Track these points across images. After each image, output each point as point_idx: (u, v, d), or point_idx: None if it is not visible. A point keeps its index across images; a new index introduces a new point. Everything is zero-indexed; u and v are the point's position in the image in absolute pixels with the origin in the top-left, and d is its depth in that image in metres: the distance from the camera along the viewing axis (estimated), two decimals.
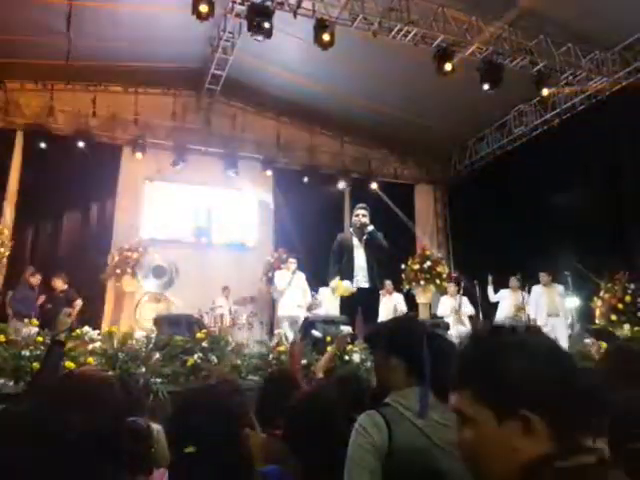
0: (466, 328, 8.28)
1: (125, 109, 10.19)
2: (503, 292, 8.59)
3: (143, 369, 3.63)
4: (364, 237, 5.59)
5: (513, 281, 8.50)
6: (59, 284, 7.27)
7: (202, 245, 10.32)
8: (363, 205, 5.82)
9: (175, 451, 1.36)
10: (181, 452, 1.28)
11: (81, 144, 9.40)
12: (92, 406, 1.22)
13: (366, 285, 5.49)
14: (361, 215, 5.67)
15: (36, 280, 7.39)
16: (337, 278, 5.34)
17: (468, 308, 8.60)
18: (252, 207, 11.20)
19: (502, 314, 8.42)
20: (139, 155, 10.07)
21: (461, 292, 8.65)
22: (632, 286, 7.75)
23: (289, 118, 11.34)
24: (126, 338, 3.81)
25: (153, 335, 4.03)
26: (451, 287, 8.85)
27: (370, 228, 5.58)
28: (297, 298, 7.32)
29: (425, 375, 1.54)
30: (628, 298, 7.64)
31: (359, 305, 5.31)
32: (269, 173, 11.13)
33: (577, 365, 0.95)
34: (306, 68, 9.13)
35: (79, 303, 7.20)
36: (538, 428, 0.83)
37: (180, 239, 10.20)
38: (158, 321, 4.58)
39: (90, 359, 3.63)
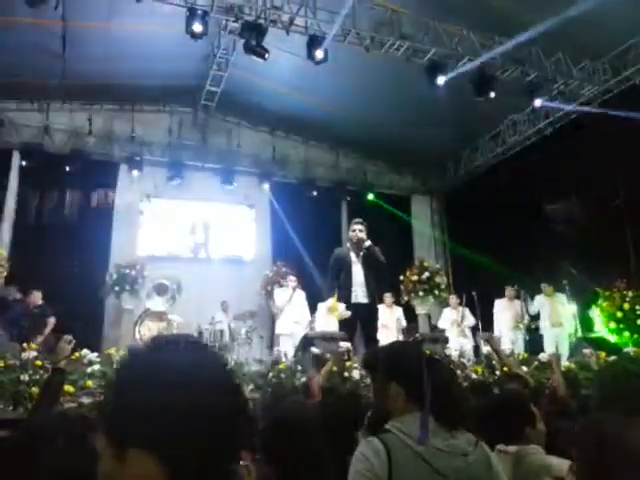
0: (468, 340, 8.25)
1: (121, 127, 10.24)
2: (499, 303, 8.59)
3: None
4: (361, 253, 5.59)
5: (509, 290, 8.51)
6: (34, 299, 7.15)
7: (200, 260, 10.32)
8: (359, 220, 5.82)
9: None
10: None
11: (77, 163, 9.43)
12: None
13: (365, 301, 5.48)
14: (357, 230, 5.67)
15: (35, 298, 7.37)
16: (334, 297, 5.33)
17: (470, 320, 8.58)
18: (249, 221, 11.22)
19: (501, 325, 8.41)
20: (136, 172, 10.10)
21: (463, 304, 8.62)
22: (630, 294, 7.77)
23: (284, 132, 11.41)
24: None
25: None
26: (453, 299, 8.84)
27: (367, 244, 5.57)
28: (295, 315, 7.31)
29: (425, 401, 1.54)
30: (626, 306, 7.67)
31: (358, 321, 5.30)
32: (266, 187, 11.16)
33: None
34: (300, 82, 9.20)
35: (52, 321, 7.01)
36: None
37: (178, 255, 10.21)
38: (157, 341, 4.56)
39: (89, 382, 3.61)
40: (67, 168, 9.36)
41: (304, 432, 1.94)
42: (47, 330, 6.93)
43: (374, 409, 1.78)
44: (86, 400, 3.39)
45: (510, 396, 2.52)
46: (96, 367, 3.71)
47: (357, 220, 5.85)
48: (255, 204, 11.20)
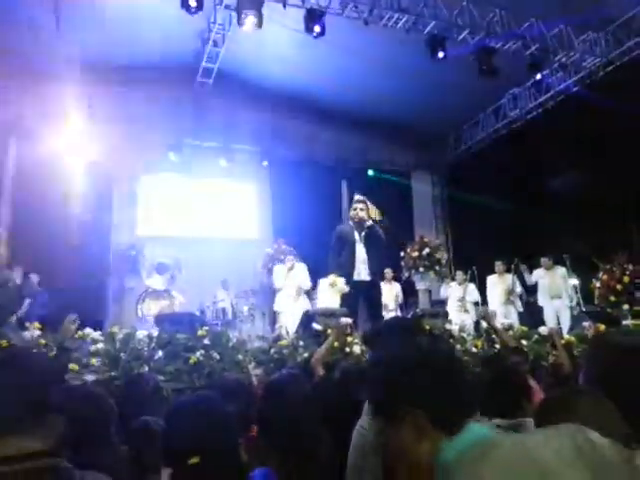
0: (469, 315, 8.29)
1: (119, 105, 10.13)
2: (491, 278, 8.64)
3: (146, 368, 3.67)
4: (363, 232, 5.58)
5: (499, 265, 8.55)
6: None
7: (200, 239, 10.33)
8: (361, 198, 5.78)
9: (174, 460, 1.37)
10: (183, 462, 1.30)
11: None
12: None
13: (367, 278, 5.50)
14: (359, 209, 5.64)
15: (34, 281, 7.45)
16: (334, 273, 5.34)
17: (473, 296, 8.61)
18: (250, 199, 11.21)
19: (494, 300, 8.47)
20: (134, 151, 10.03)
21: (468, 279, 8.65)
22: (630, 267, 7.78)
23: (284, 108, 11.27)
24: (128, 338, 3.84)
25: (155, 334, 4.07)
26: (460, 275, 8.86)
27: (369, 223, 5.56)
28: (292, 293, 7.38)
29: None
30: (626, 279, 7.68)
31: (360, 298, 5.32)
32: (265, 165, 11.11)
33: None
34: (299, 58, 9.07)
35: (26, 302, 7.16)
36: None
37: (178, 234, 10.21)
38: (160, 319, 4.62)
39: (93, 360, 3.66)
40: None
41: (289, 400, 1.99)
42: (21, 310, 6.98)
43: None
44: (90, 377, 3.45)
45: (507, 369, 2.54)
46: (100, 345, 3.76)
47: (359, 198, 5.81)
48: (255, 182, 11.16)
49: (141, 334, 4.00)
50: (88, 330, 3.96)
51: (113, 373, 3.61)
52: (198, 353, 3.86)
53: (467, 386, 1.11)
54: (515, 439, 1.00)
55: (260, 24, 6.83)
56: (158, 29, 8.23)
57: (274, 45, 8.74)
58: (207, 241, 10.32)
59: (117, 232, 9.53)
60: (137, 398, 2.56)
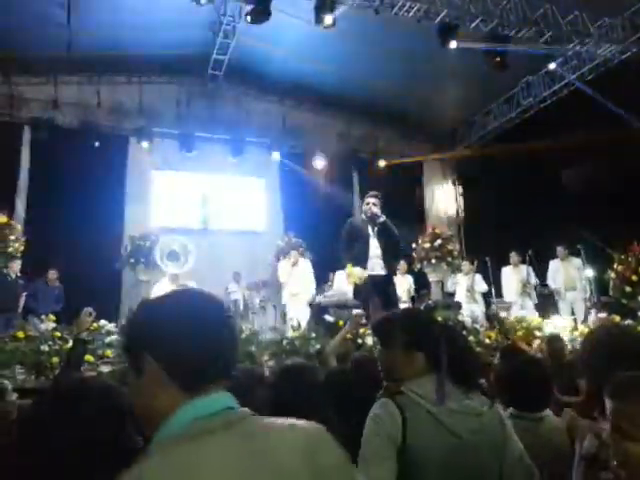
0: (479, 306, 8.27)
1: (130, 99, 10.19)
2: (506, 270, 8.58)
3: None
4: (376, 227, 5.56)
5: (514, 257, 8.49)
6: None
7: (212, 232, 10.37)
8: (374, 193, 5.73)
9: None
10: None
11: (88, 136, 9.43)
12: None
13: (382, 272, 5.48)
14: (372, 204, 5.61)
15: (53, 276, 7.55)
16: (349, 265, 5.33)
17: (481, 286, 8.58)
18: (260, 192, 11.21)
19: (510, 292, 8.42)
20: (145, 145, 10.08)
21: (474, 270, 8.62)
22: None
23: (294, 100, 11.24)
24: None
25: None
26: (466, 265, 8.81)
27: (382, 219, 5.53)
28: (295, 288, 7.46)
29: (442, 364, 1.57)
30: None
31: (375, 292, 5.31)
32: (276, 157, 11.10)
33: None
34: (309, 49, 9.02)
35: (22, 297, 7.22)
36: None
37: (190, 227, 10.25)
38: None
39: (108, 351, 3.70)
40: (78, 142, 9.37)
41: (307, 384, 2.00)
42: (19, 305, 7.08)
43: (386, 375, 1.79)
44: (105, 369, 3.49)
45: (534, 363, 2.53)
46: (114, 337, 3.80)
47: (372, 193, 5.77)
48: (266, 174, 11.16)
49: None
50: (103, 322, 4.01)
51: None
52: None
53: (231, 346, 0.99)
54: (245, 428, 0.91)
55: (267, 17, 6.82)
56: (169, 21, 8.22)
57: (284, 35, 8.70)
58: (218, 233, 10.36)
59: (130, 224, 9.60)
60: None
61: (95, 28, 8.10)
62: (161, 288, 7.78)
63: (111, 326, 3.95)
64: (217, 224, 10.59)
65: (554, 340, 4.65)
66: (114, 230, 9.44)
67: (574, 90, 9.36)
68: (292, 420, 0.98)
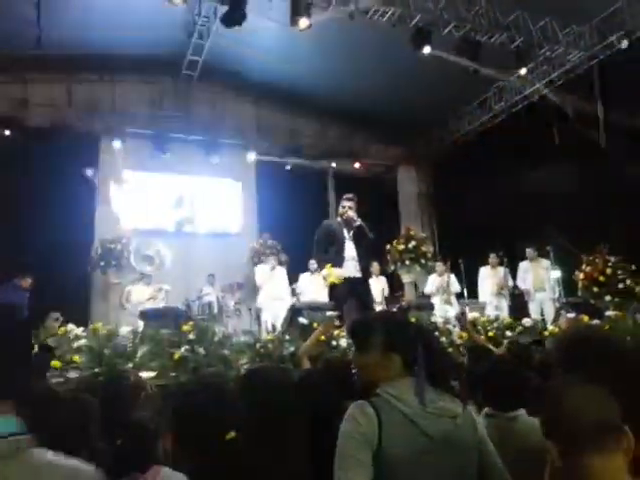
0: (452, 307, 8.36)
1: (102, 99, 10.01)
2: (483, 270, 8.71)
3: (130, 364, 3.64)
4: (352, 231, 5.57)
5: (492, 258, 8.63)
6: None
7: (186, 234, 10.26)
8: (349, 196, 5.73)
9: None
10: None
11: (58, 136, 9.23)
12: None
13: (358, 274, 5.50)
14: (347, 207, 5.61)
15: (26, 283, 7.35)
16: (328, 265, 5.33)
17: (455, 287, 8.68)
18: (235, 193, 11.15)
19: (485, 292, 8.55)
20: (118, 145, 9.93)
21: (448, 270, 8.71)
22: (613, 259, 7.90)
23: (269, 101, 11.22)
24: (111, 334, 3.81)
25: (139, 329, 4.04)
26: (440, 266, 8.91)
27: (358, 223, 5.54)
28: (275, 293, 7.44)
29: (420, 365, 1.58)
30: (609, 271, 7.79)
31: (351, 295, 5.32)
32: (251, 158, 11.06)
33: None
34: (285, 50, 9.02)
35: None
36: None
37: (163, 228, 10.13)
38: (144, 315, 4.58)
39: (76, 357, 3.62)
40: (48, 142, 9.16)
41: (265, 389, 2.01)
42: None
43: (362, 378, 1.78)
44: (73, 375, 3.41)
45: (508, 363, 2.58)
46: (82, 342, 3.72)
47: (347, 196, 5.76)
48: (240, 176, 11.10)
49: (125, 330, 3.96)
50: (71, 326, 3.92)
51: (97, 370, 3.58)
52: (183, 348, 3.84)
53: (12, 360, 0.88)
54: None
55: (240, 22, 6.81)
56: (143, 20, 8.12)
57: (259, 37, 8.67)
58: (192, 236, 10.25)
59: (101, 226, 9.44)
60: (121, 395, 2.54)
61: (66, 27, 7.95)
62: (136, 291, 7.70)
63: (79, 330, 3.88)
64: (191, 226, 10.49)
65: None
66: (84, 232, 9.26)
67: (544, 94, 9.58)
68: (72, 462, 0.91)
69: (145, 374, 3.41)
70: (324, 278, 5.49)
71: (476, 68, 7.90)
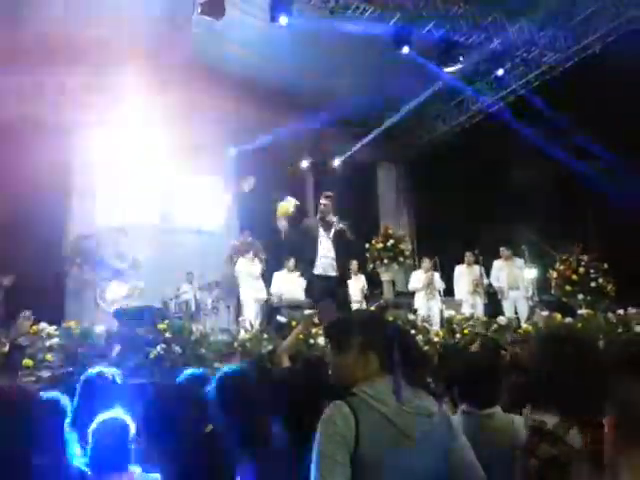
0: (437, 303, 8.38)
1: (76, 90, 9.79)
2: (459, 268, 8.79)
3: (105, 363, 3.58)
4: (332, 228, 5.56)
5: (468, 256, 8.72)
6: None
7: (164, 230, 10.12)
8: (329, 194, 5.73)
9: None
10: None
11: (30, 127, 9.01)
12: None
13: (333, 273, 5.49)
14: (323, 205, 5.60)
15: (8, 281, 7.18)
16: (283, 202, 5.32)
17: (439, 283, 8.72)
18: (214, 189, 11.05)
19: (461, 290, 8.64)
20: (94, 138, 9.73)
21: (433, 268, 8.75)
22: (585, 258, 8.07)
23: (249, 97, 11.11)
24: (86, 333, 3.74)
25: (114, 328, 3.97)
26: (426, 262, 8.92)
27: (339, 227, 5.52)
28: (256, 288, 7.42)
29: (397, 365, 1.58)
30: (582, 270, 7.96)
31: (328, 295, 5.32)
32: (231, 154, 10.97)
33: None
34: (265, 46, 8.95)
35: None
36: None
37: (140, 224, 9.97)
38: (119, 313, 4.51)
39: (48, 356, 3.55)
40: (18, 134, 8.93)
41: (241, 390, 2.02)
42: None
43: (338, 378, 1.76)
44: (46, 374, 3.34)
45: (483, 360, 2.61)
46: (55, 341, 3.65)
47: (327, 193, 5.76)
48: (220, 172, 11.00)
49: (99, 328, 3.90)
50: (43, 325, 3.84)
51: (70, 369, 3.51)
52: (159, 347, 3.79)
53: None
54: None
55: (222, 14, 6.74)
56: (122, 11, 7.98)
57: (239, 31, 8.60)
58: (171, 232, 10.12)
59: (75, 222, 9.24)
60: (96, 394, 2.50)
61: (46, 17, 7.77)
62: (111, 288, 7.59)
63: (52, 329, 3.79)
64: (170, 222, 10.36)
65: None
66: (57, 228, 9.05)
67: (521, 96, 9.72)
68: None
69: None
70: (279, 211, 5.45)
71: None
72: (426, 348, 5.22)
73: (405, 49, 7.59)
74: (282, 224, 5.34)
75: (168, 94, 10.41)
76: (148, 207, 10.25)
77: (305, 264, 5.36)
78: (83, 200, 9.51)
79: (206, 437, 2.06)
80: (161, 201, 10.43)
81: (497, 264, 8.65)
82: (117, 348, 3.71)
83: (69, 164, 9.69)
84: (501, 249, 8.58)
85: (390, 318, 5.79)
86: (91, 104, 9.84)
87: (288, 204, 5.29)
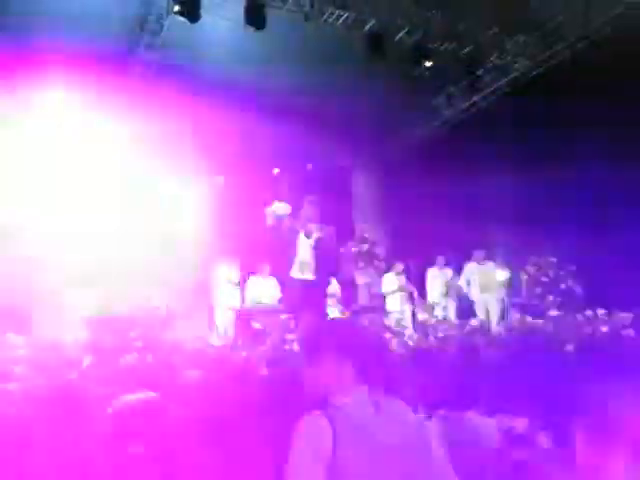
0: (409, 307, 8.45)
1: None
2: (431, 271, 8.91)
3: (75, 374, 3.50)
4: (313, 234, 5.56)
5: (440, 259, 8.84)
6: None
7: (132, 233, 9.93)
8: (311, 198, 5.72)
9: None
10: None
11: None
12: None
13: (311, 277, 5.50)
14: (307, 209, 5.60)
15: None
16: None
17: (409, 287, 8.79)
18: (188, 193, 10.93)
19: (434, 293, 8.74)
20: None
21: (403, 271, 8.83)
22: (555, 260, 8.26)
23: (224, 99, 11.01)
24: (56, 343, 3.65)
25: (85, 338, 3.89)
26: (398, 266, 8.99)
27: (318, 235, 5.53)
28: (234, 293, 7.34)
29: (373, 374, 1.59)
30: (551, 272, 8.15)
31: (305, 297, 5.33)
32: (201, 155, 10.87)
33: None
34: (239, 50, 8.90)
35: None
36: None
37: (106, 227, 9.75)
38: (89, 323, 4.42)
39: (16, 368, 3.45)
40: None
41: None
42: None
43: (313, 388, 1.74)
44: (13, 386, 3.24)
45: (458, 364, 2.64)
46: (22, 351, 3.55)
47: (310, 199, 5.75)
48: (190, 173, 10.90)
49: (69, 338, 3.81)
50: (9, 335, 3.73)
51: (40, 381, 3.42)
52: (130, 357, 3.73)
53: None
54: None
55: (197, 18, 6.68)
56: (94, 12, 7.83)
57: (213, 35, 8.53)
58: (139, 236, 9.95)
59: None
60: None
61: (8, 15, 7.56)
62: (78, 295, 7.37)
63: (20, 340, 3.69)
64: (138, 225, 10.18)
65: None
66: None
67: (492, 101, 9.88)
68: None
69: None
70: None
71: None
72: (401, 352, 5.25)
73: (379, 54, 7.64)
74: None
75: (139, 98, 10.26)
76: (112, 209, 10.07)
77: (282, 266, 5.35)
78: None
79: None
80: (129, 203, 10.26)
81: (469, 267, 8.78)
82: (87, 359, 3.63)
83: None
84: (475, 252, 8.71)
85: (366, 322, 5.85)
86: None
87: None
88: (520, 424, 1.63)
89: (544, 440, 1.56)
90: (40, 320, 7.89)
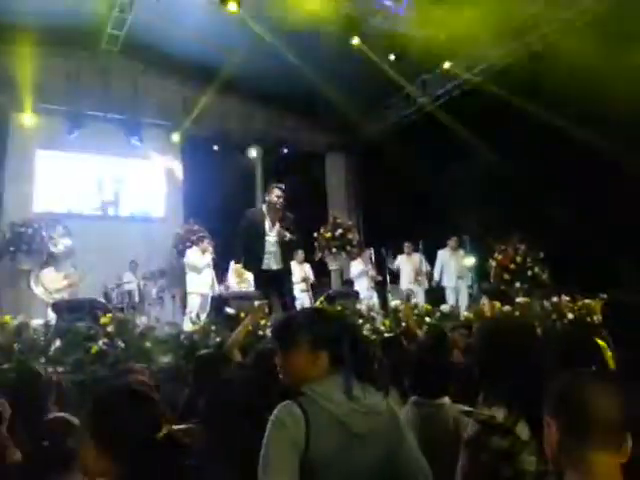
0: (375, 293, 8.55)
1: (10, 70, 9.19)
2: (400, 258, 9.02)
3: (43, 359, 3.43)
4: (277, 223, 5.53)
5: (407, 246, 8.95)
6: None
7: (107, 218, 9.79)
8: (281, 186, 5.68)
9: None
10: None
11: None
12: None
13: (275, 267, 5.49)
14: (275, 198, 5.54)
15: None
16: (240, 264, 5.35)
17: (373, 272, 8.87)
18: (159, 177, 10.75)
19: (403, 280, 8.86)
20: (29, 121, 9.23)
21: (373, 257, 8.90)
22: (522, 247, 8.43)
23: (196, 82, 10.81)
24: (21, 328, 3.57)
25: (52, 322, 3.81)
26: (367, 252, 9.05)
27: (288, 237, 5.51)
28: (207, 277, 7.27)
29: (348, 362, 1.57)
30: (519, 259, 8.32)
31: (272, 287, 5.32)
32: (175, 140, 10.69)
33: None
34: (213, 30, 8.72)
35: None
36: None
37: (81, 212, 9.60)
38: (58, 307, 4.33)
39: None
40: None
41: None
42: None
43: (287, 378, 1.67)
44: None
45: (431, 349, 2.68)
46: None
47: (278, 185, 5.70)
48: (164, 158, 10.71)
49: (36, 323, 3.73)
50: None
51: (5, 366, 3.35)
52: (101, 342, 3.67)
53: None
54: None
55: None
56: None
57: (186, 14, 8.34)
58: (114, 220, 9.80)
59: (10, 209, 8.78)
60: (32, 393, 2.41)
61: None
62: (47, 277, 7.21)
63: None
64: (114, 209, 10.01)
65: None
66: None
67: (466, 89, 9.93)
68: None
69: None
70: (237, 276, 5.52)
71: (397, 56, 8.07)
72: (373, 337, 5.31)
73: (355, 40, 7.62)
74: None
75: (109, 76, 10.00)
76: (89, 193, 9.87)
77: (253, 259, 5.34)
78: (19, 185, 9.03)
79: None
80: (104, 187, 10.06)
81: (442, 254, 8.91)
82: (56, 343, 3.56)
83: (6, 147, 9.19)
84: (449, 240, 8.84)
85: (338, 307, 5.89)
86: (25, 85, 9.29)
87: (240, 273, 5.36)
88: (498, 414, 1.64)
89: (523, 430, 1.58)
90: (7, 302, 7.70)
